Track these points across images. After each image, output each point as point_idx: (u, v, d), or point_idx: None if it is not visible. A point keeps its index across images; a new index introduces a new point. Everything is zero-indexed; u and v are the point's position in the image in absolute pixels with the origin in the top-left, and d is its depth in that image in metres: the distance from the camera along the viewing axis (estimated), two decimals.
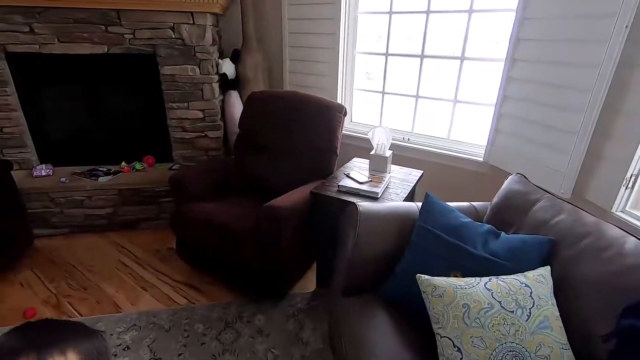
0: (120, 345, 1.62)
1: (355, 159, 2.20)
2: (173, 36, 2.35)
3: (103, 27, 2.27)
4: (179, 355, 1.57)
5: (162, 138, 2.65)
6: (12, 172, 2.15)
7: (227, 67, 2.63)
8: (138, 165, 2.59)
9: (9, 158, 2.47)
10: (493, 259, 1.09)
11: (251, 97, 2.30)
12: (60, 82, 2.45)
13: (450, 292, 0.99)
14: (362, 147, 2.54)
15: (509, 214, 1.29)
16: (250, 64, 2.68)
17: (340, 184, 1.77)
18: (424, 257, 1.20)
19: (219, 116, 2.64)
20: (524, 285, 0.98)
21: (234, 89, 2.72)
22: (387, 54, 2.42)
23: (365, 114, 2.72)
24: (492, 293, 0.96)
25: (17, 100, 2.40)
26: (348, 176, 1.86)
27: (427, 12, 2.16)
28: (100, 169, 2.57)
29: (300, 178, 2.01)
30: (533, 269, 1.05)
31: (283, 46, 2.73)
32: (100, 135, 2.65)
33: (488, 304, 0.94)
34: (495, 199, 1.38)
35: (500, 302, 0.94)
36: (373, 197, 1.70)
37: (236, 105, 2.69)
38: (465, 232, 1.18)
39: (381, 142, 1.92)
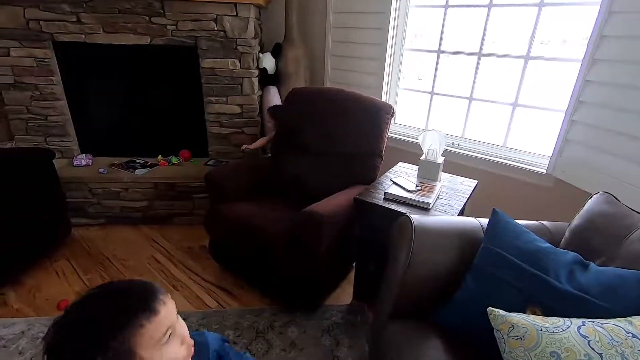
0: None
1: (400, 164, 2.04)
2: (215, 28, 2.28)
3: (147, 18, 2.24)
4: None
5: (199, 133, 2.60)
6: (54, 161, 2.16)
7: (268, 62, 2.54)
8: (174, 160, 2.55)
9: (51, 146, 2.51)
10: (583, 295, 0.91)
11: (293, 92, 2.19)
12: (102, 72, 2.45)
13: (533, 334, 0.82)
14: (407, 152, 2.37)
15: (596, 240, 1.09)
16: (291, 58, 2.57)
17: (387, 191, 1.62)
18: (491, 286, 1.04)
19: (257, 112, 2.56)
20: (630, 335, 0.79)
21: (273, 85, 2.63)
22: (439, 51, 2.24)
23: (410, 116, 2.55)
24: (588, 342, 0.79)
25: (63, 89, 2.42)
26: (395, 183, 1.71)
27: (489, 5, 1.96)
28: (137, 161, 2.55)
29: (342, 182, 1.88)
30: (635, 315, 0.86)
31: (326, 41, 2.60)
32: (139, 127, 2.64)
33: (585, 355, 0.77)
34: (576, 221, 1.18)
35: (601, 354, 0.76)
36: (424, 208, 1.54)
37: (274, 101, 2.59)
38: (544, 259, 1.00)
39: (433, 148, 1.75)
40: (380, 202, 1.59)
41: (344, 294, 1.91)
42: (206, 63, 2.37)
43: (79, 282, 1.94)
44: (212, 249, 2.00)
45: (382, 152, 1.94)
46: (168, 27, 2.27)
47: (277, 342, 1.60)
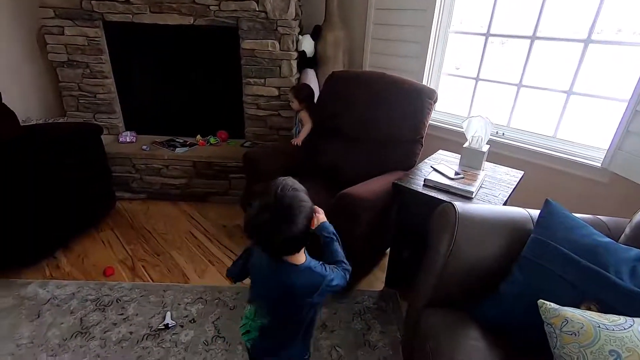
0: (187, 316, 1.62)
1: (440, 152, 1.97)
2: (257, 9, 2.28)
3: None
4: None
5: (237, 114, 2.63)
6: (102, 137, 2.27)
7: (307, 44, 2.51)
8: (212, 140, 2.61)
9: (99, 123, 2.63)
10: None
11: (332, 76, 2.16)
12: (147, 52, 2.53)
13: (589, 330, 0.78)
14: (447, 140, 2.29)
15: None
16: (330, 41, 2.53)
17: (427, 177, 1.58)
18: (541, 279, 0.99)
19: None
20: None
21: (311, 68, 2.60)
22: (487, 34, 2.12)
23: (452, 103, 2.45)
24: None
25: (110, 68, 2.52)
26: (435, 170, 1.65)
27: None
28: (177, 140, 2.63)
29: (380, 168, 1.85)
30: None
31: (367, 23, 2.53)
32: (180, 106, 2.71)
33: None
34: (638, 217, 1.10)
35: None
36: (466, 197, 1.48)
37: (312, 84, 2.57)
38: (604, 254, 0.94)
39: (478, 135, 1.68)
40: (420, 189, 1.55)
41: (377, 281, 1.90)
42: (246, 44, 2.38)
43: (122, 251, 2.04)
44: None
45: (422, 138, 1.89)
46: (211, 7, 2.28)
47: None
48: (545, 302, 0.86)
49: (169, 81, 2.64)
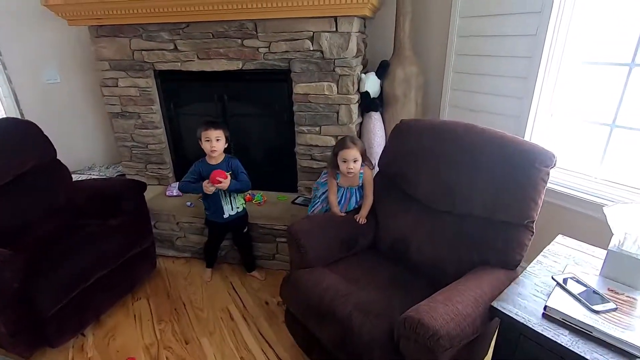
0: None
1: (561, 239, 1.35)
2: (311, 48, 1.94)
3: (239, 41, 2.02)
4: None
5: (288, 165, 2.30)
6: (152, 188, 2.10)
7: (371, 84, 2.08)
8: (258, 197, 2.30)
9: (150, 174, 2.53)
10: None
11: (401, 126, 1.70)
12: (196, 99, 2.35)
13: None
14: (565, 209, 1.64)
15: None
16: (401, 79, 2.07)
17: (548, 303, 1.00)
18: None
19: None
20: None
21: (376, 110, 2.16)
22: (632, 64, 1.46)
23: (570, 154, 1.78)
24: None
25: (161, 117, 2.40)
26: (560, 284, 1.07)
27: None
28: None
29: (466, 257, 1.33)
30: None
31: (448, 54, 2.03)
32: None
33: None
34: None
35: None
36: (627, 354, 0.87)
37: (377, 132, 2.13)
38: None
39: (636, 235, 1.05)
40: (536, 324, 0.97)
41: None
42: (299, 88, 2.04)
43: (151, 332, 1.79)
44: (287, 320, 1.64)
45: (533, 222, 1.30)
46: (260, 49, 2.01)
47: None
48: None
49: None
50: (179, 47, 2.12)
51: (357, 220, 1.69)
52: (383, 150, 1.82)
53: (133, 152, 2.50)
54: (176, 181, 2.55)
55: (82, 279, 1.70)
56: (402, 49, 2.06)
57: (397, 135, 1.72)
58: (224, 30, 2.01)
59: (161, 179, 2.54)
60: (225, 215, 1.98)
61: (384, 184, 1.75)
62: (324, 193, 1.88)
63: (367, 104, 2.13)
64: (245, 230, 2.08)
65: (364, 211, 1.70)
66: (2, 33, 2.43)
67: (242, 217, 2.04)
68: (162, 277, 2.19)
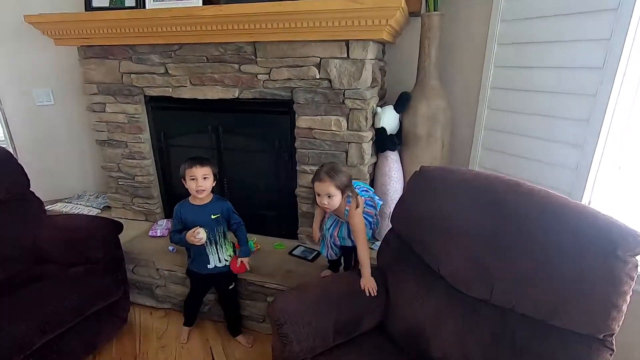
0: None
1: None
2: (317, 76, 1.65)
3: (236, 66, 1.76)
4: None
5: (288, 208, 1.97)
6: (136, 224, 1.83)
7: (388, 119, 1.76)
8: (251, 244, 1.96)
9: (137, 208, 2.26)
10: None
11: (422, 175, 1.34)
12: (187, 130, 2.08)
13: None
14: None
15: None
16: (423, 114, 1.74)
17: None
18: None
19: None
20: None
21: (393, 149, 1.83)
22: None
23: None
24: None
25: (150, 147, 2.14)
26: None
27: None
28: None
29: None
30: None
31: (482, 87, 1.69)
32: (221, 195, 2.16)
33: None
34: None
35: None
36: None
37: (393, 175, 1.79)
38: None
39: None
40: None
41: None
42: (302, 121, 1.74)
43: None
44: None
45: (612, 335, 0.90)
46: (259, 76, 1.74)
47: None
48: None
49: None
50: (170, 71, 1.88)
51: (363, 289, 1.32)
52: (398, 202, 1.46)
53: (119, 183, 2.25)
54: (164, 218, 2.26)
55: (25, 346, 1.39)
56: (427, 79, 1.74)
57: (418, 186, 1.36)
58: (220, 54, 1.76)
59: (148, 214, 2.26)
60: (210, 266, 1.67)
61: (398, 247, 1.38)
62: (331, 226, 1.58)
63: (383, 141, 1.80)
64: (231, 286, 1.75)
65: (366, 272, 1.34)
66: None
67: (229, 271, 1.71)
68: (132, 335, 1.86)
